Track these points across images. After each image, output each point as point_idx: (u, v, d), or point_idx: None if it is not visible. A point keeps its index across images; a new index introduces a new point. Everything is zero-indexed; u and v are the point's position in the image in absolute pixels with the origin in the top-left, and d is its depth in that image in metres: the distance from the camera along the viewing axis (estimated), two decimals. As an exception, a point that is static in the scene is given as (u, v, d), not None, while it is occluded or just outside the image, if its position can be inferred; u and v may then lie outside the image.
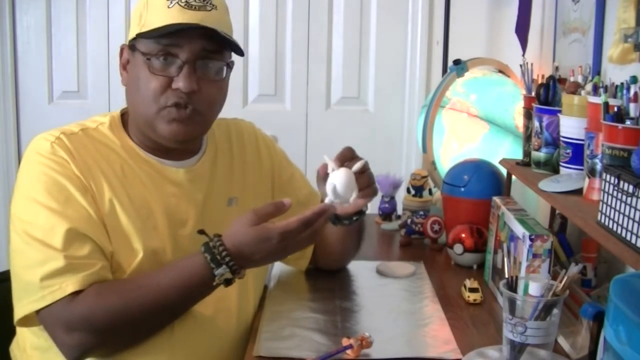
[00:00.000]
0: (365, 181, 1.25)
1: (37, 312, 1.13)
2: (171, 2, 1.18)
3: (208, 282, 1.13)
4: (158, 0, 1.19)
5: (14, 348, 1.29)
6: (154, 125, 1.21)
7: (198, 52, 1.19)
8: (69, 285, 1.11)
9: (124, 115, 1.29)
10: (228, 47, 1.23)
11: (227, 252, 1.12)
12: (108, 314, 1.12)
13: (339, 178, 1.19)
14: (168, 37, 1.17)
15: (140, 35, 1.19)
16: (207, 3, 1.19)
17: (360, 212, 1.36)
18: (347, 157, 1.24)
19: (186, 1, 1.18)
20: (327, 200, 1.20)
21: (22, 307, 1.14)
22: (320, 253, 1.51)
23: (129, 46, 1.23)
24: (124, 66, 1.26)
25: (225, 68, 1.24)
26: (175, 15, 1.17)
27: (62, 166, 1.17)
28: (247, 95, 2.81)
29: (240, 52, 1.24)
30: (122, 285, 1.15)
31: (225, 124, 1.41)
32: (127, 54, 1.25)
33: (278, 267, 1.56)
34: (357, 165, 1.21)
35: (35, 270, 1.12)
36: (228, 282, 1.14)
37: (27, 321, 1.16)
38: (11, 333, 1.29)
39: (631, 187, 0.97)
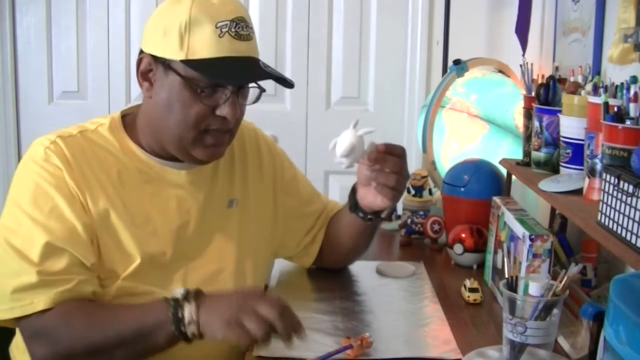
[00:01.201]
0: (389, 177, 1.27)
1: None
2: (221, 31, 1.14)
3: (161, 305, 1.08)
4: (205, 26, 1.14)
5: (13, 348, 1.29)
6: (189, 148, 1.20)
7: (243, 83, 1.20)
8: (40, 302, 1.10)
9: (125, 116, 1.29)
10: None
11: (194, 290, 1.09)
12: (70, 337, 1.11)
13: (341, 135, 1.27)
14: (222, 73, 1.15)
15: (188, 64, 1.14)
16: (250, 31, 1.18)
17: (378, 215, 1.37)
18: (388, 150, 1.27)
19: (236, 31, 1.15)
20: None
21: None
22: (329, 248, 1.51)
23: (158, 60, 1.18)
24: (144, 75, 1.21)
25: (259, 92, 1.24)
26: (227, 47, 1.14)
27: (53, 175, 1.16)
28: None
29: (289, 85, 1.24)
30: (88, 311, 1.14)
31: None
32: (149, 64, 1.20)
33: (278, 267, 1.56)
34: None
35: (9, 281, 1.12)
36: (176, 308, 1.06)
37: (3, 322, 1.16)
38: (11, 333, 1.29)
39: (631, 187, 0.97)
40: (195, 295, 1.09)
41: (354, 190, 1.39)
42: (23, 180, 1.18)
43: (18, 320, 1.13)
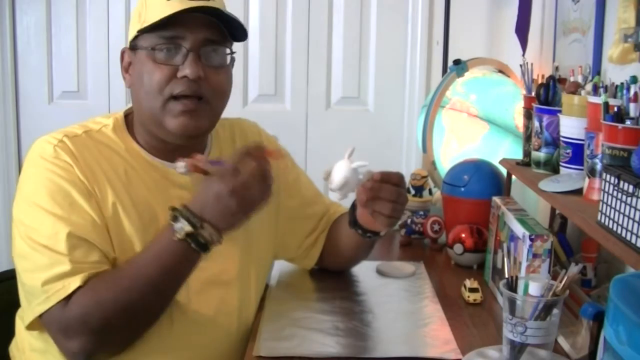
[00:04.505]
0: (384, 205, 1.25)
1: (41, 317, 1.13)
2: None
3: (171, 241, 1.10)
4: None
5: (13, 348, 1.29)
6: (161, 120, 1.19)
7: (201, 41, 1.19)
8: (71, 283, 1.10)
9: (127, 116, 1.29)
10: (229, 36, 1.23)
11: (186, 207, 1.11)
12: (101, 308, 1.10)
13: (335, 165, 1.25)
14: (171, 28, 1.17)
15: (142, 31, 1.19)
16: None
17: (376, 233, 1.37)
18: (385, 179, 1.25)
19: None
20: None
21: (30, 310, 1.14)
22: (330, 253, 1.51)
23: (130, 47, 1.23)
24: (126, 69, 1.25)
25: (228, 55, 1.24)
26: (175, 6, 1.16)
27: (65, 171, 1.16)
28: (247, 95, 2.80)
29: (243, 35, 1.24)
30: (109, 275, 1.13)
31: (229, 124, 1.41)
32: (128, 57, 1.25)
33: (279, 267, 1.56)
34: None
35: (41, 274, 1.11)
36: (197, 242, 1.10)
37: (36, 325, 1.15)
38: (10, 333, 1.29)
39: (631, 187, 0.97)
40: (195, 215, 1.10)
41: (354, 206, 1.38)
42: (35, 178, 1.18)
43: (45, 319, 1.12)
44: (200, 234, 1.10)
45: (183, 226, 1.10)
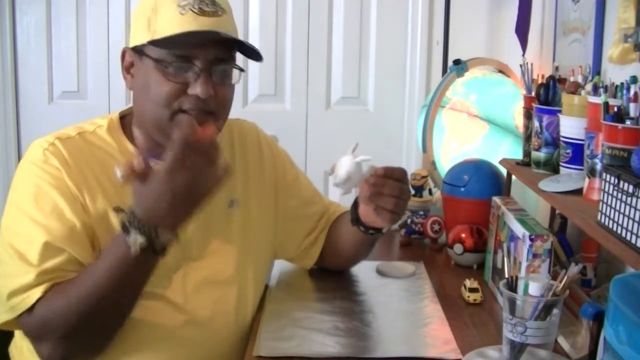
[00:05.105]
0: (387, 201, 1.26)
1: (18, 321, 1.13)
2: (183, 9, 1.15)
3: (127, 255, 1.05)
4: (169, 7, 1.16)
5: (12, 349, 1.29)
6: (168, 130, 1.17)
7: (212, 60, 1.18)
8: (34, 293, 1.10)
9: (123, 117, 1.28)
10: (238, 51, 1.22)
11: (134, 216, 1.06)
12: (58, 316, 1.10)
13: (339, 160, 1.27)
14: (183, 45, 1.15)
15: (153, 43, 1.16)
16: (218, 8, 1.18)
17: (378, 230, 1.37)
18: (388, 174, 1.26)
19: (199, 7, 1.16)
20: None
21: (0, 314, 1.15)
22: (330, 252, 1.50)
23: (134, 50, 1.21)
24: (127, 69, 1.24)
25: (239, 73, 1.23)
26: (190, 23, 1.15)
27: (53, 176, 1.16)
28: (247, 95, 2.81)
29: (258, 57, 1.23)
30: (66, 287, 1.12)
31: (227, 125, 1.40)
32: (130, 57, 1.22)
33: (278, 267, 1.56)
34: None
35: (10, 281, 1.12)
36: (153, 249, 1.06)
37: (8, 326, 1.16)
38: (10, 334, 1.29)
39: (631, 187, 0.97)
40: (146, 223, 1.05)
41: (355, 204, 1.38)
42: (23, 183, 1.18)
43: (20, 324, 1.13)
44: (156, 242, 1.06)
45: (136, 239, 1.05)
